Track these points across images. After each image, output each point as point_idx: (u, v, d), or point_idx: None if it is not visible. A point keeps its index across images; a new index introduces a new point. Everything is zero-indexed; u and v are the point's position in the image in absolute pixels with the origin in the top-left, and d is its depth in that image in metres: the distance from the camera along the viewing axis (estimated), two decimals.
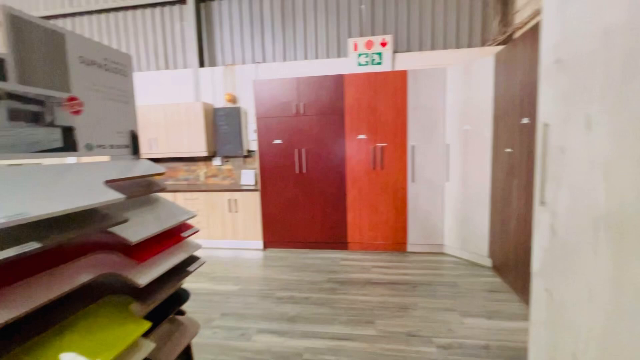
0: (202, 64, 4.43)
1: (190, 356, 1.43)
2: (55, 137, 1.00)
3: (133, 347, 0.97)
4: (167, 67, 4.61)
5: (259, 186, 3.81)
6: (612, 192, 0.96)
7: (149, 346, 1.00)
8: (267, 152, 3.71)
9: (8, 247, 0.67)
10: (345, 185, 3.61)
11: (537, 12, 3.03)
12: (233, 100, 4.28)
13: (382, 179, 3.53)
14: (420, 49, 3.97)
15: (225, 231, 3.93)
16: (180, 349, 1.29)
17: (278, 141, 3.67)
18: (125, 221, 0.98)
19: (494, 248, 2.99)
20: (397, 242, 3.59)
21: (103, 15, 4.68)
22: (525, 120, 2.36)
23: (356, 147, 3.54)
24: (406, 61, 3.94)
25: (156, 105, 4.15)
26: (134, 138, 1.34)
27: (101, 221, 0.93)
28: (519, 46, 2.46)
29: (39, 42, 0.96)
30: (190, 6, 4.27)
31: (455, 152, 3.30)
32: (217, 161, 4.42)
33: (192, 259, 1.37)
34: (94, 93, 1.15)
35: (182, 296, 1.36)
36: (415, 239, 3.55)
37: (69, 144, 1.05)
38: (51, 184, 0.86)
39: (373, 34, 4.02)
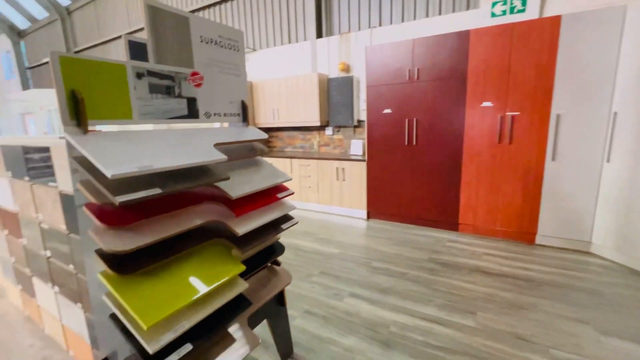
0: (320, 35, 4.55)
1: (283, 300, 1.62)
2: (182, 106, 1.23)
3: (231, 282, 1.16)
4: (289, 42, 4.94)
5: (366, 156, 3.80)
6: None
7: (243, 285, 1.18)
8: (376, 122, 3.62)
9: (140, 191, 0.88)
10: (460, 160, 3.21)
11: None
12: (346, 69, 4.28)
13: (509, 154, 2.97)
14: None
15: (333, 198, 4.14)
16: (274, 292, 1.47)
17: (388, 110, 3.51)
18: (227, 178, 1.15)
19: None
20: (522, 231, 3.03)
21: (237, 2, 5.32)
22: None
23: (478, 117, 3.05)
24: (561, 3, 3.03)
25: (279, 78, 4.56)
26: (243, 107, 1.52)
27: (209, 177, 1.11)
28: None
29: (170, 26, 1.16)
30: None
31: (627, 123, 2.44)
32: (329, 131, 4.60)
33: (287, 218, 1.51)
34: (211, 68, 1.34)
35: (277, 249, 1.53)
36: (548, 230, 2.91)
37: (192, 112, 1.27)
38: (174, 145, 1.07)
39: None
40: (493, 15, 3.28)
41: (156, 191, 0.91)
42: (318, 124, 4.33)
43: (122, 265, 0.93)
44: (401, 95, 3.40)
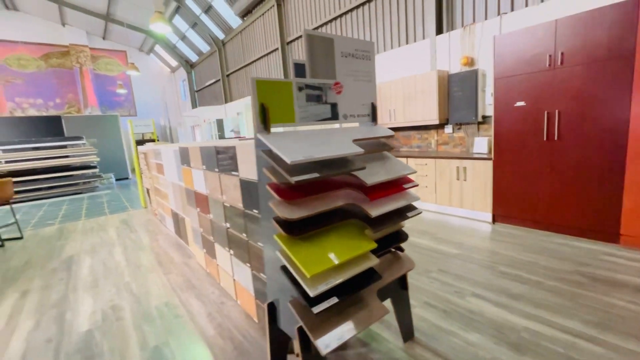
0: (439, 31, 4.43)
1: (405, 284, 1.75)
2: (327, 110, 1.52)
3: (366, 256, 1.38)
4: (407, 42, 4.98)
5: (492, 155, 3.51)
6: None
7: (374, 260, 1.38)
8: (505, 117, 3.31)
9: (302, 175, 1.18)
10: (623, 156, 2.63)
11: None
12: (470, 63, 4.04)
13: None
14: None
15: (452, 198, 3.98)
16: (397, 274, 1.63)
17: (521, 103, 3.17)
18: (364, 168, 1.37)
19: None
20: None
21: (357, 12, 5.65)
22: None
23: None
24: None
25: (396, 80, 4.66)
26: (373, 109, 1.73)
27: (349, 166, 1.36)
28: None
29: (320, 47, 1.47)
30: None
31: None
32: (448, 129, 4.43)
33: (411, 208, 1.64)
34: (348, 77, 1.60)
35: (401, 235, 1.68)
36: None
37: (334, 115, 1.55)
38: (323, 141, 1.35)
39: None
40: None
41: (314, 175, 1.20)
42: (437, 122, 4.23)
43: (291, 229, 1.26)
44: (538, 84, 3.02)
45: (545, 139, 3.05)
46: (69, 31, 13.48)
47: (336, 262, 1.22)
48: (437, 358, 1.63)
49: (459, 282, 2.38)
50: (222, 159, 2.09)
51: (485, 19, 3.98)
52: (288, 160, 1.11)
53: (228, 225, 2.20)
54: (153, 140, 6.13)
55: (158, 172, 4.37)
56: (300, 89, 1.40)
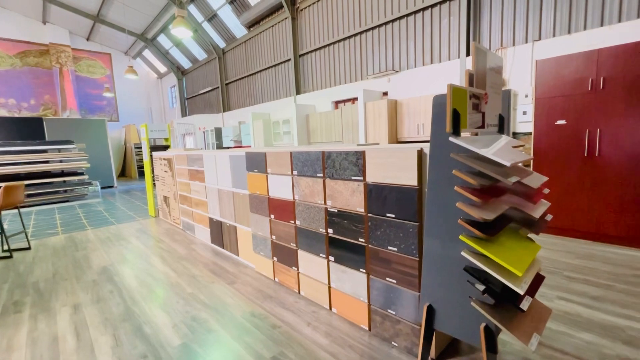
0: (468, 53, 4.75)
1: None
2: (479, 119, 1.60)
3: (535, 261, 1.44)
4: (431, 62, 5.27)
5: (530, 168, 3.76)
6: None
7: (539, 262, 1.45)
8: (545, 134, 3.59)
9: (513, 177, 1.24)
10: None
11: None
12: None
13: None
14: None
15: None
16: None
17: (561, 121, 3.46)
18: (532, 173, 1.45)
19: None
20: None
21: (378, 30, 5.91)
22: None
23: None
24: None
25: (426, 96, 4.89)
26: (501, 120, 1.84)
27: (520, 173, 1.43)
28: None
29: (480, 60, 1.56)
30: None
31: None
32: None
33: (546, 213, 1.74)
34: (490, 88, 1.70)
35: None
36: None
37: (483, 123, 1.64)
38: (499, 147, 1.42)
39: None
40: None
41: (516, 178, 1.27)
42: None
43: (485, 230, 1.30)
44: (579, 105, 3.33)
45: (585, 154, 3.34)
46: (50, 29, 12.73)
47: (529, 262, 1.28)
48: (569, 357, 1.71)
49: None
50: (333, 165, 2.09)
51: (513, 44, 4.34)
52: (508, 163, 1.17)
53: (330, 231, 2.17)
54: (168, 147, 5.90)
55: (191, 179, 4.19)
56: (470, 97, 1.48)
